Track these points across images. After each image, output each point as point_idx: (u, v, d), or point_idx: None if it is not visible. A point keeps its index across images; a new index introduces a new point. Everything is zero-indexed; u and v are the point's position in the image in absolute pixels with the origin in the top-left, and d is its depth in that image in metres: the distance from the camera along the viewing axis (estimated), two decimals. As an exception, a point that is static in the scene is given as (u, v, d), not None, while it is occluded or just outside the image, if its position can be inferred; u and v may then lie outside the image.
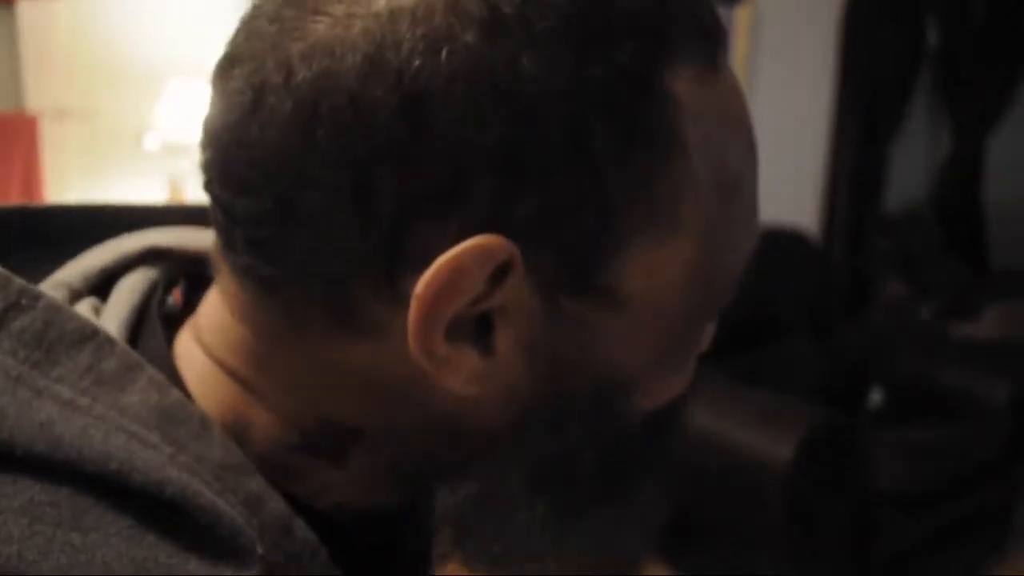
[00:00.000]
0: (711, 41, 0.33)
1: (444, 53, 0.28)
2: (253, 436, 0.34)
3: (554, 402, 0.34)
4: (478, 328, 0.32)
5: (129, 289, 0.37)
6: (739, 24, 2.73)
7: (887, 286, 3.12)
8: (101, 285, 0.38)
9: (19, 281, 0.31)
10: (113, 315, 0.36)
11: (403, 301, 0.30)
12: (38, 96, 2.15)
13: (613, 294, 0.32)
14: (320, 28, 0.29)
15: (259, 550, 0.28)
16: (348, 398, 0.33)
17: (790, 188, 2.99)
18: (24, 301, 0.31)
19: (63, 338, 0.31)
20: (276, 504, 0.31)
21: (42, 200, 2.08)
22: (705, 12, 0.33)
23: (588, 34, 0.30)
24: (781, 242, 2.60)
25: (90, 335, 0.31)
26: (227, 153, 0.31)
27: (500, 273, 0.30)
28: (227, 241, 0.33)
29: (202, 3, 2.16)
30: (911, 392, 2.40)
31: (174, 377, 0.34)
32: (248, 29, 0.31)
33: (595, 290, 0.32)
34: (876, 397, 2.41)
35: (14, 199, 2.13)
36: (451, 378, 0.31)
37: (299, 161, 0.29)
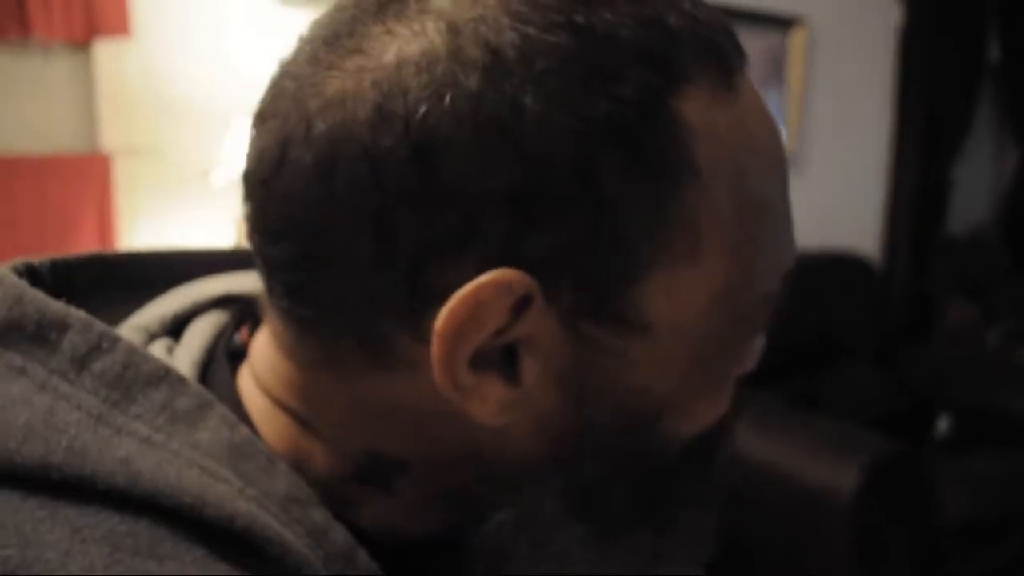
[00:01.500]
0: (724, 61, 0.33)
1: (448, 99, 0.29)
2: (312, 468, 0.35)
3: (586, 430, 0.35)
4: (504, 359, 0.33)
5: (200, 331, 0.40)
6: (794, 48, 2.72)
7: (951, 310, 3.05)
8: (174, 328, 0.40)
9: (100, 325, 0.33)
10: (185, 355, 0.38)
11: (429, 337, 0.31)
12: (111, 136, 2.23)
13: (636, 321, 0.33)
14: (335, 83, 0.31)
15: None
16: (390, 431, 0.35)
17: (851, 211, 2.95)
18: (104, 344, 0.33)
19: (140, 378, 0.33)
20: (339, 534, 0.33)
21: (115, 234, 2.15)
22: (717, 33, 0.33)
23: (590, 70, 0.30)
24: (842, 266, 2.57)
25: (164, 375, 0.33)
26: (261, 205, 0.33)
27: (521, 305, 0.31)
28: (268, 286, 0.35)
29: (264, 44, 2.22)
30: (978, 420, 2.34)
31: (241, 414, 0.36)
32: (274, 87, 0.33)
33: (617, 318, 0.32)
34: (943, 425, 2.35)
35: (89, 235, 2.21)
36: (480, 409, 0.32)
37: (321, 210, 0.31)
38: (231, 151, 2.20)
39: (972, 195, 3.52)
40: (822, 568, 1.77)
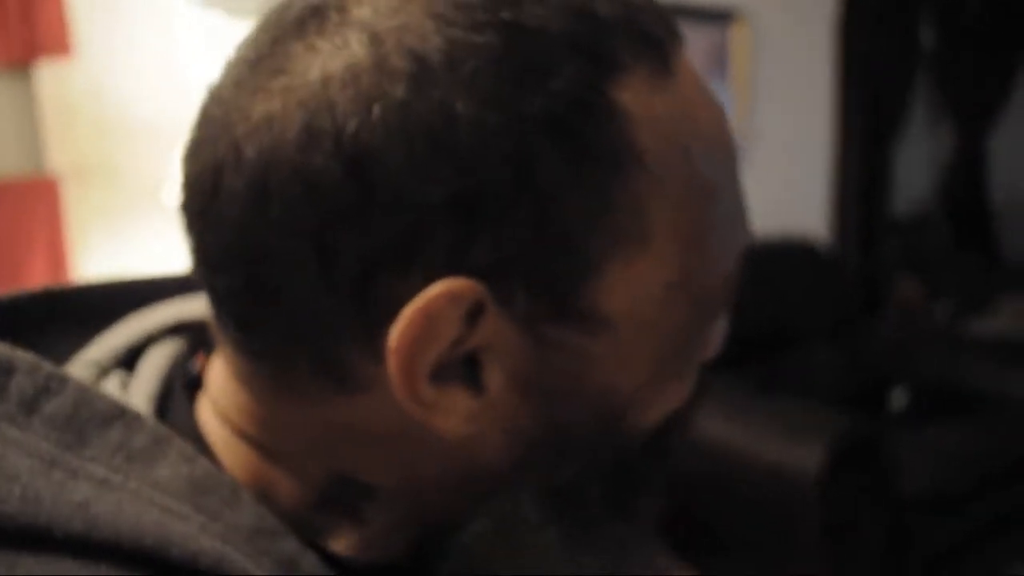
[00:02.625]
0: (659, 46, 0.32)
1: (376, 111, 0.28)
2: (279, 498, 0.34)
3: (556, 433, 0.34)
4: (466, 369, 0.32)
5: (155, 362, 0.38)
6: (736, 42, 2.77)
7: (899, 288, 3.12)
8: (128, 359, 0.39)
9: (47, 365, 0.32)
10: (141, 389, 0.37)
11: (385, 355, 0.30)
12: (58, 158, 2.19)
13: (594, 317, 0.32)
14: (261, 105, 0.30)
15: None
16: (355, 455, 0.34)
17: (799, 198, 3.01)
18: (53, 385, 0.32)
19: (93, 418, 0.32)
20: (310, 563, 0.32)
21: (67, 258, 2.11)
22: (650, 18, 0.33)
23: (521, 66, 0.29)
24: (792, 251, 2.62)
25: (119, 413, 0.32)
26: (200, 235, 0.32)
27: (474, 313, 0.30)
28: (218, 316, 0.34)
29: (214, 58, 2.20)
30: (933, 392, 2.39)
31: (201, 446, 0.35)
32: (203, 114, 0.32)
33: (575, 316, 0.32)
34: (899, 399, 2.40)
35: (40, 260, 2.16)
36: (445, 422, 0.32)
37: (259, 237, 0.30)
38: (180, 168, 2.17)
39: (914, 177, 3.61)
40: (791, 547, 1.79)
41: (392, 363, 0.30)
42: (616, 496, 0.39)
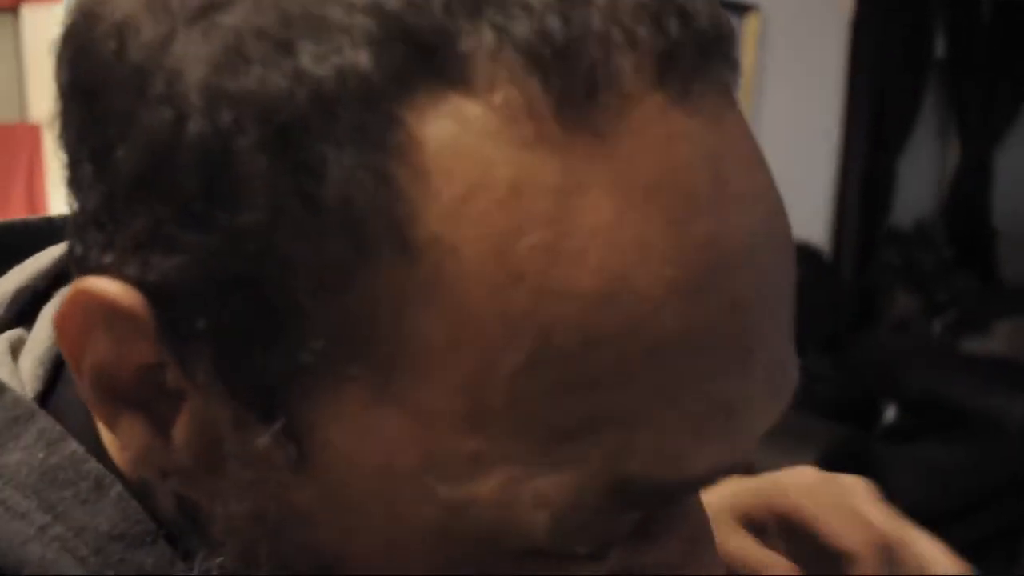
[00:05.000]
0: (439, 51, 0.21)
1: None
2: (159, 502, 0.29)
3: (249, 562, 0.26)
4: (159, 405, 0.25)
5: (50, 317, 0.32)
6: (747, 34, 2.72)
7: (896, 301, 3.10)
8: (28, 308, 0.33)
9: None
10: (31, 354, 0.31)
11: None
12: (41, 104, 2.13)
13: (298, 440, 0.23)
14: None
15: None
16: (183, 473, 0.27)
17: (798, 201, 2.97)
18: None
19: None
20: None
21: (46, 204, 2.06)
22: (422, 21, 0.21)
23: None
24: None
25: None
26: None
27: (136, 335, 0.24)
28: None
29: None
30: (924, 408, 2.38)
31: (87, 427, 0.29)
32: None
33: (271, 417, 0.23)
34: (890, 414, 2.39)
35: (17, 208, 2.11)
36: (124, 443, 0.26)
37: None
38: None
39: (916, 188, 3.57)
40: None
41: (60, 346, 0.25)
42: None
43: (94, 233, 0.24)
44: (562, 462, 0.21)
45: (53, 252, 0.34)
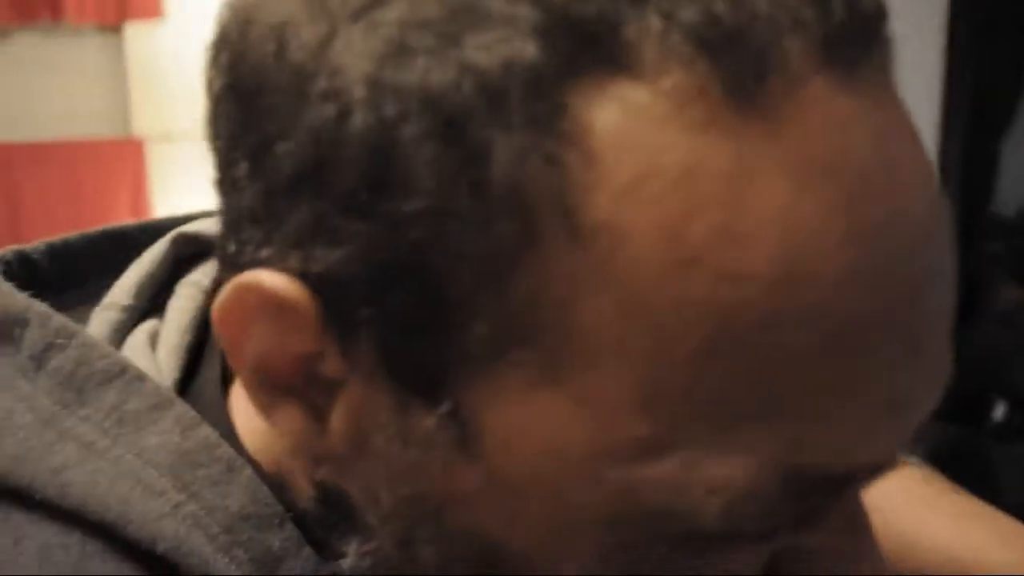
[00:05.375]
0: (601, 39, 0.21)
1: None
2: (295, 486, 0.30)
3: (405, 548, 0.27)
4: (317, 395, 0.26)
5: (180, 309, 0.33)
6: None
7: (1001, 292, 2.98)
8: (157, 296, 0.35)
9: (59, 318, 0.30)
10: (166, 344, 0.33)
11: None
12: (143, 120, 2.21)
13: (463, 424, 0.23)
14: None
15: None
16: (337, 463, 0.28)
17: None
18: (60, 339, 0.30)
19: (93, 377, 0.30)
20: (297, 565, 0.28)
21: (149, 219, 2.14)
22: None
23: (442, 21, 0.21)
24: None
25: (119, 372, 0.30)
26: None
27: (298, 325, 0.25)
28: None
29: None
30: (1035, 406, 2.29)
31: (221, 414, 0.31)
32: None
33: (436, 401, 0.24)
34: (999, 411, 2.30)
35: (123, 219, 2.19)
36: (280, 431, 0.27)
37: None
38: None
39: (1021, 174, 3.43)
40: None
41: (220, 338, 0.26)
42: None
43: (249, 230, 0.25)
44: (736, 449, 0.21)
45: (161, 247, 0.36)
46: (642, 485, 0.22)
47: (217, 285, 0.28)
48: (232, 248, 0.26)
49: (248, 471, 0.29)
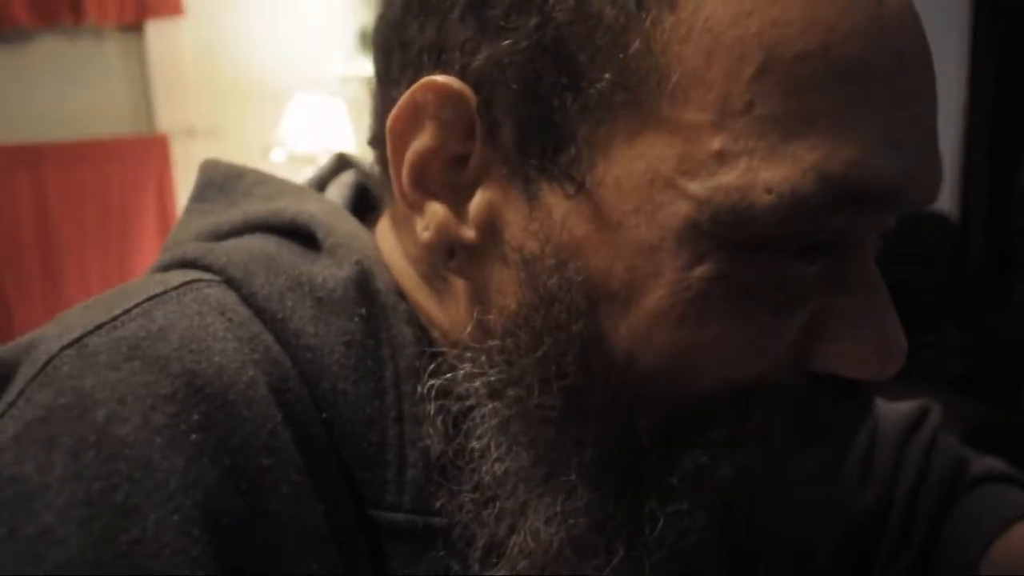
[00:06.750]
0: None
1: None
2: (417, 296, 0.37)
3: (538, 303, 0.31)
4: (464, 192, 0.33)
5: (345, 180, 0.43)
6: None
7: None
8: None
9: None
10: (334, 192, 0.42)
11: None
12: (168, 117, 2.22)
13: (579, 182, 0.30)
14: None
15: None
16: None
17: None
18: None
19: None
20: (403, 331, 0.35)
21: (176, 215, 2.15)
22: None
23: None
24: (915, 224, 2.47)
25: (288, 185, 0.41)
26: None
27: (460, 121, 0.32)
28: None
29: (321, 20, 2.18)
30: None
31: (371, 244, 0.38)
32: None
33: (563, 177, 0.31)
34: (1034, 389, 2.26)
35: (150, 216, 2.20)
36: (420, 224, 0.34)
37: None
38: (290, 128, 2.17)
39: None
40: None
41: (388, 145, 0.33)
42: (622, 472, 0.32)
43: (418, 58, 0.33)
44: (785, 158, 0.28)
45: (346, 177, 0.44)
46: (716, 191, 0.29)
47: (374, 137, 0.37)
48: (394, 74, 0.35)
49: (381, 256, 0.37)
